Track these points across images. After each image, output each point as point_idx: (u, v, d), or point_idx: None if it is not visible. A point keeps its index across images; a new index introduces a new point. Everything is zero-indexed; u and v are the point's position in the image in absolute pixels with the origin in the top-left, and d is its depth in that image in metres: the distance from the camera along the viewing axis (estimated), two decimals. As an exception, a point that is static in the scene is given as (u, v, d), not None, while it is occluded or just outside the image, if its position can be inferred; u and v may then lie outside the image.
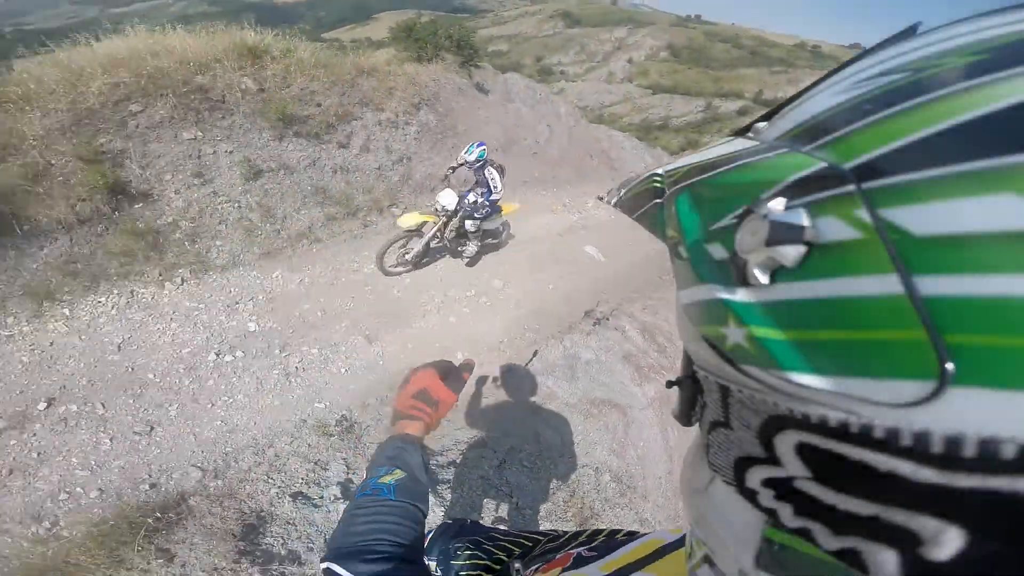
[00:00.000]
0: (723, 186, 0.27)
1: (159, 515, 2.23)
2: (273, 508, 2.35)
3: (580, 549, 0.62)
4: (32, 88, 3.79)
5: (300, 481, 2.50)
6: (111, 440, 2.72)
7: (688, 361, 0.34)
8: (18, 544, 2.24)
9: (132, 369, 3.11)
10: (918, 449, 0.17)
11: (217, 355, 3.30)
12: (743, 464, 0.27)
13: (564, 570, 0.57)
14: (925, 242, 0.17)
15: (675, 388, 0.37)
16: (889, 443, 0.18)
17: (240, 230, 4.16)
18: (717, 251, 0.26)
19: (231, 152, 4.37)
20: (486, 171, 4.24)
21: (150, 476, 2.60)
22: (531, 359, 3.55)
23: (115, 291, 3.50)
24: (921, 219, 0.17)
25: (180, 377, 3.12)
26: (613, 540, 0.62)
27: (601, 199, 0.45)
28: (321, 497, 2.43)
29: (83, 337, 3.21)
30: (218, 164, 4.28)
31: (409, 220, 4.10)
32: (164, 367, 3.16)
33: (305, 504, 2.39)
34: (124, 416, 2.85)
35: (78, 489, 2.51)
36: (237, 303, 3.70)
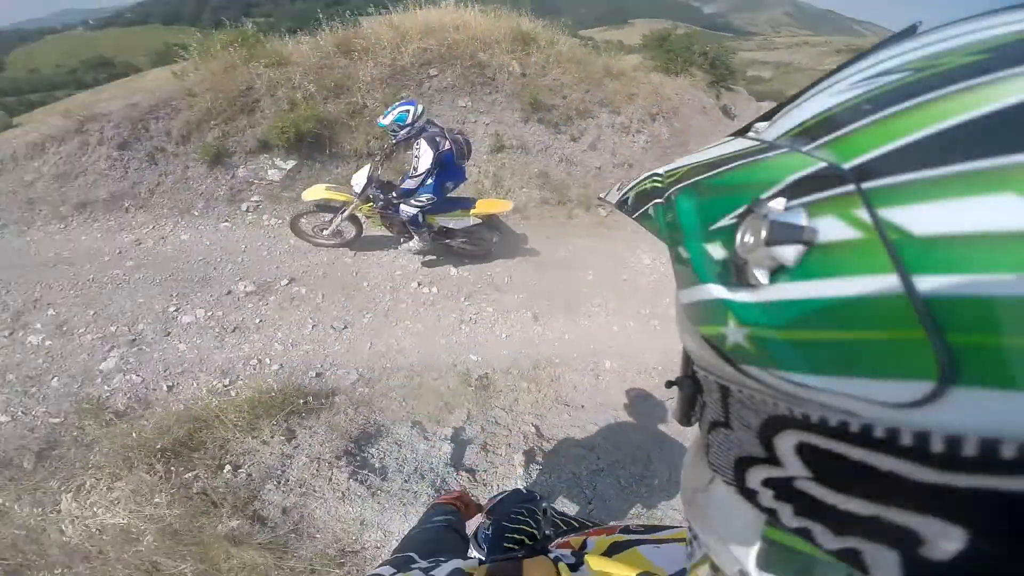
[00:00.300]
0: (723, 186, 0.27)
1: (307, 401, 2.74)
2: (392, 427, 2.74)
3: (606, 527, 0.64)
4: (372, 42, 4.95)
5: (425, 414, 2.86)
6: (312, 327, 3.42)
7: (688, 361, 0.34)
8: (197, 391, 2.83)
9: (356, 274, 3.91)
10: (918, 449, 0.17)
11: (418, 285, 3.90)
12: (743, 464, 0.26)
13: (614, 537, 0.57)
14: (925, 242, 0.17)
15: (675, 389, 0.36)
16: (889, 443, 0.18)
17: (472, 191, 4.82)
18: (717, 251, 0.26)
19: (488, 124, 5.08)
20: (415, 144, 3.35)
21: (321, 366, 3.11)
22: (670, 395, 3.39)
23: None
24: (921, 219, 0.17)
25: (384, 293, 3.79)
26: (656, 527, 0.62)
27: (601, 199, 0.45)
28: (434, 434, 2.74)
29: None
30: (475, 132, 5.02)
31: (311, 194, 3.73)
32: (377, 281, 3.88)
33: (418, 434, 2.72)
34: (331, 310, 3.57)
35: (267, 359, 3.12)
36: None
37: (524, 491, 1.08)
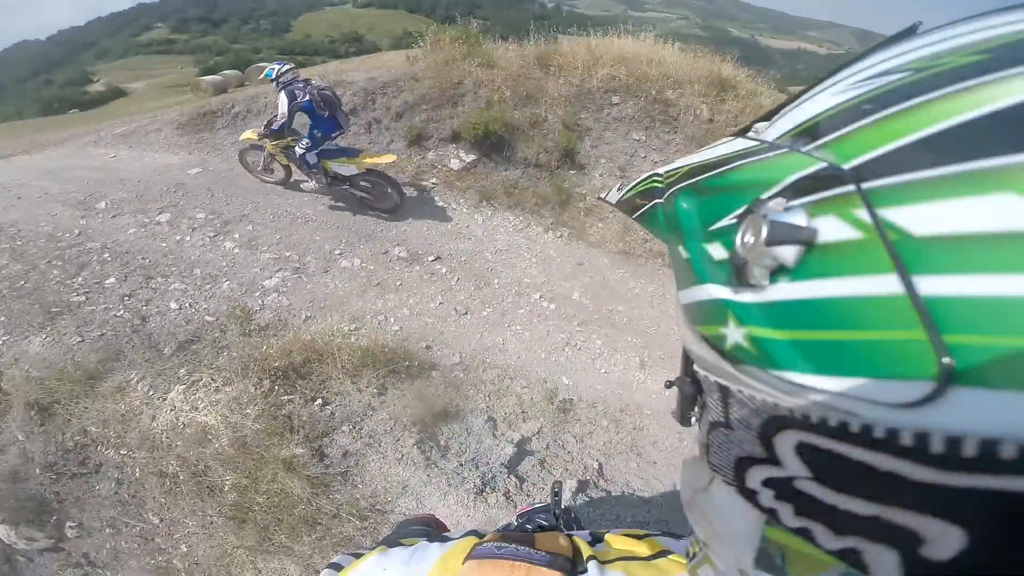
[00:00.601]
0: (723, 186, 0.27)
1: (409, 365, 2.98)
2: (469, 415, 2.86)
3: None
4: (568, 61, 5.21)
5: (502, 414, 2.93)
6: (439, 304, 3.74)
7: (687, 361, 0.33)
8: (327, 327, 3.20)
9: (490, 271, 4.17)
10: (918, 449, 0.17)
11: (540, 297, 4.02)
12: (743, 464, 0.26)
13: (633, 531, 0.52)
14: (925, 242, 0.17)
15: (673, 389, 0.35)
16: (889, 443, 0.18)
17: (618, 223, 4.80)
18: (717, 251, 0.25)
19: (656, 162, 5.00)
20: (277, 94, 4.06)
21: (432, 341, 3.40)
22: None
23: (520, 217, 4.70)
24: (921, 219, 0.17)
25: (509, 294, 3.98)
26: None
27: (601, 199, 0.44)
28: (503, 434, 2.80)
29: (484, 232, 4.48)
30: (641, 167, 4.99)
31: (244, 136, 4.52)
32: (509, 280, 4.09)
33: (489, 429, 2.81)
34: (460, 295, 3.86)
35: (392, 319, 3.49)
36: (584, 267, 4.40)
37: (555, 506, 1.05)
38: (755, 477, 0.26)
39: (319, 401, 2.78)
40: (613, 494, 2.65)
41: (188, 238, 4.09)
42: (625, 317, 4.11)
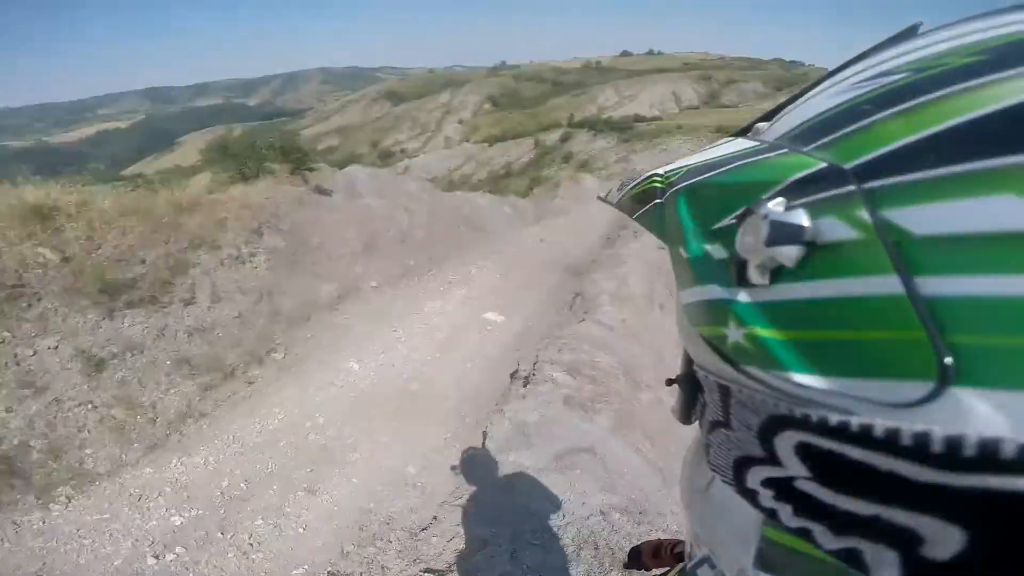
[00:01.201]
0: (723, 186, 0.27)
1: None
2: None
3: None
4: None
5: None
6: None
7: (688, 361, 0.34)
8: None
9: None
10: (918, 449, 0.17)
11: (156, 557, 2.78)
12: (743, 464, 0.27)
13: None
14: (925, 242, 0.17)
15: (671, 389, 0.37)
16: (889, 443, 0.18)
17: (108, 431, 3.44)
18: (717, 251, 0.26)
19: (56, 347, 3.65)
20: None
21: None
22: (483, 443, 3.45)
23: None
24: (921, 219, 0.17)
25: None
26: None
27: (602, 199, 0.46)
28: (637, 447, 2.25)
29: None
30: (46, 366, 3.53)
31: None
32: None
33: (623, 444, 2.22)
34: None
35: None
36: (146, 502, 3.11)
37: None
38: (755, 477, 0.25)
39: None
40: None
41: None
42: (240, 484, 3.27)
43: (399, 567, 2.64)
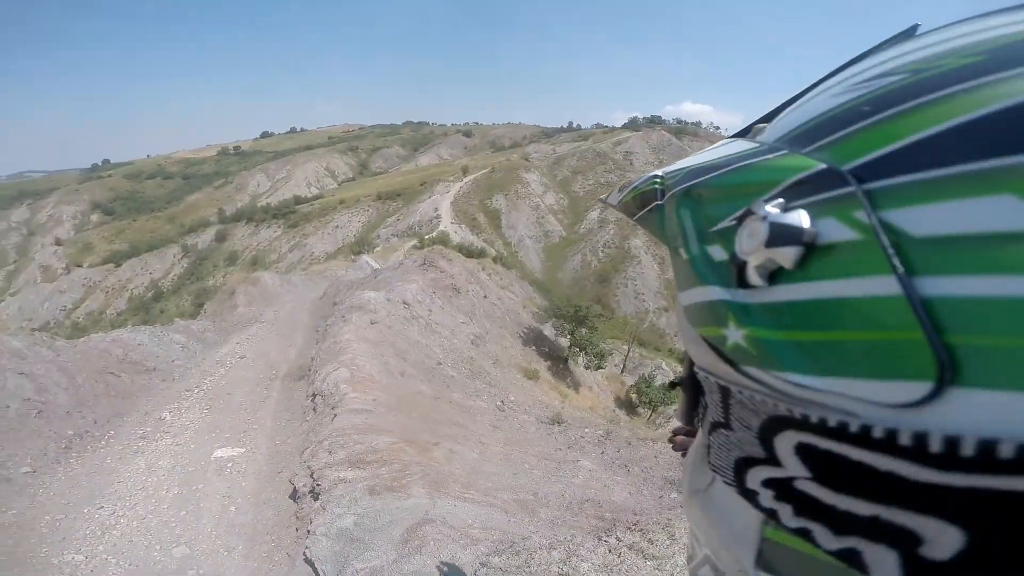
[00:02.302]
0: (723, 188, 0.27)
1: None
2: None
3: None
4: None
5: None
6: None
7: (689, 363, 0.34)
8: None
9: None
10: (917, 449, 0.17)
11: None
12: (743, 465, 0.26)
13: None
14: (924, 243, 0.17)
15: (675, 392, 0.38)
16: (888, 444, 0.18)
17: None
18: (717, 253, 0.26)
19: None
20: None
21: None
22: (315, 571, 2.87)
23: None
24: (920, 220, 0.17)
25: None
26: None
27: (602, 200, 0.46)
28: None
29: None
30: None
31: None
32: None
33: None
34: None
35: None
36: None
37: None
38: (755, 478, 0.25)
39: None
40: None
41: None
42: None
43: None
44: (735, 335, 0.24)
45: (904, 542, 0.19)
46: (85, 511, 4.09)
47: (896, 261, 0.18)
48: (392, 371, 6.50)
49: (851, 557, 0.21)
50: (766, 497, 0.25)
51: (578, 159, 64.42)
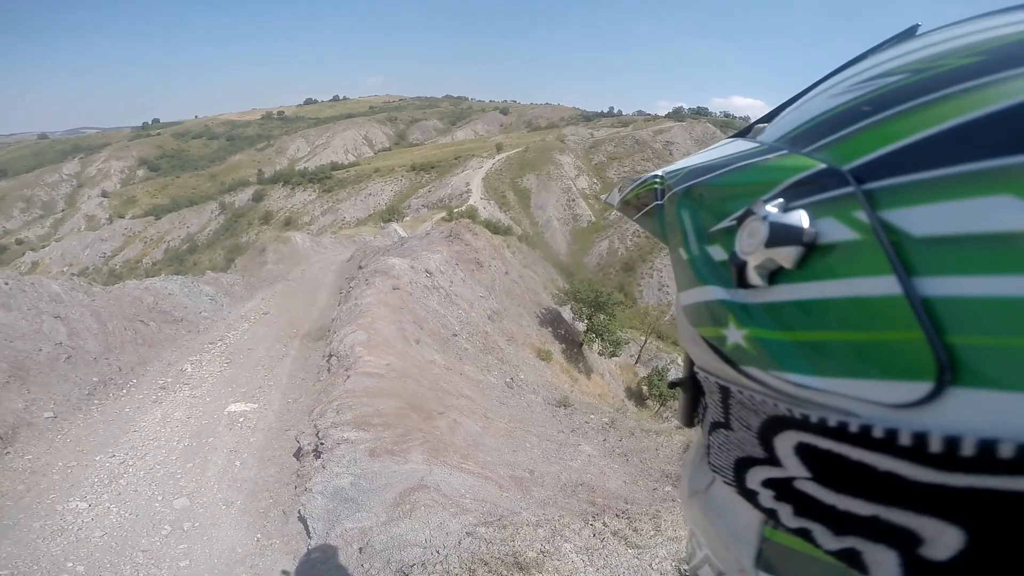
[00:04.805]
0: (723, 188, 0.27)
1: None
2: None
3: None
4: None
5: None
6: None
7: (689, 364, 0.34)
8: None
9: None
10: (916, 449, 0.17)
11: None
12: (743, 465, 0.26)
13: None
14: (924, 243, 0.17)
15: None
16: (888, 444, 0.18)
17: None
18: (717, 253, 0.26)
19: None
20: None
21: None
22: (307, 529, 3.03)
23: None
24: (920, 220, 0.17)
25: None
26: None
27: (603, 200, 0.48)
28: None
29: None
30: None
31: None
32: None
33: None
34: None
35: None
36: None
37: None
38: (755, 478, 0.25)
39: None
40: None
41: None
42: None
43: None
44: (735, 335, 0.24)
45: (904, 542, 0.19)
46: (97, 459, 4.23)
47: (896, 261, 0.18)
48: (408, 338, 6.60)
49: (851, 557, 0.21)
50: (766, 497, 0.25)
51: (616, 145, 63.08)
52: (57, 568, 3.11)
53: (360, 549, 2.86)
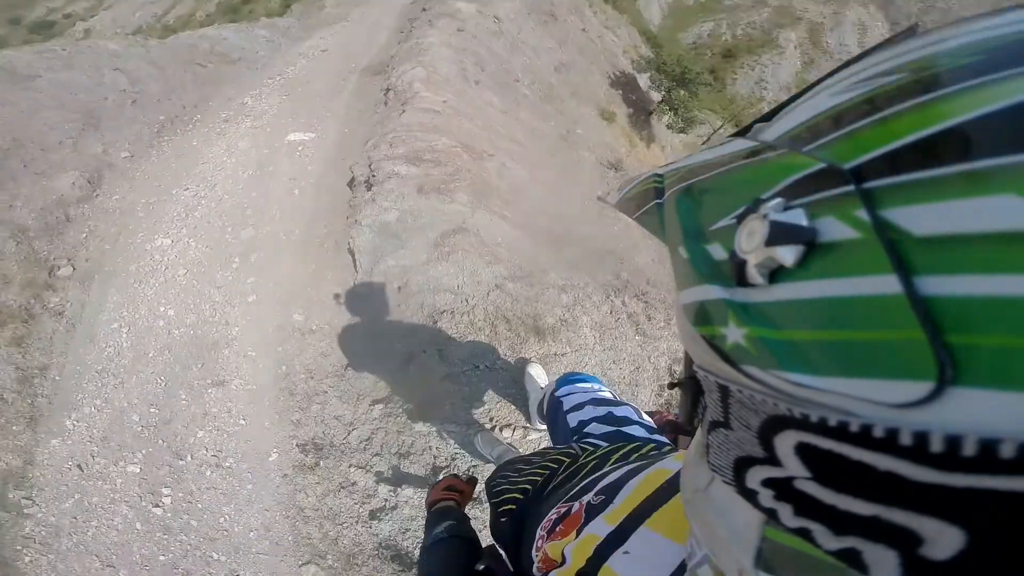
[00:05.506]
0: (723, 186, 0.27)
1: None
2: None
3: (589, 496, 0.61)
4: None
5: None
6: None
7: (689, 363, 0.34)
8: None
9: None
10: (917, 449, 0.17)
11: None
12: (743, 464, 0.26)
13: (578, 532, 0.57)
14: (924, 242, 0.17)
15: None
16: (888, 443, 0.18)
17: None
18: (717, 251, 0.26)
19: None
20: None
21: None
22: (354, 261, 3.24)
23: None
24: (921, 219, 0.17)
25: None
26: (621, 474, 0.61)
27: (601, 199, 0.44)
28: None
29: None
30: None
31: None
32: None
33: None
34: None
35: None
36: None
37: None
38: (755, 477, 0.25)
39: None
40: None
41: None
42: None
43: (349, 408, 2.64)
44: (735, 334, 0.24)
45: (904, 542, 0.19)
46: (173, 192, 4.34)
47: (896, 260, 0.18)
48: (468, 78, 6.20)
49: (851, 557, 0.21)
50: (766, 497, 0.25)
51: None
52: (154, 314, 3.27)
53: (399, 288, 3.05)
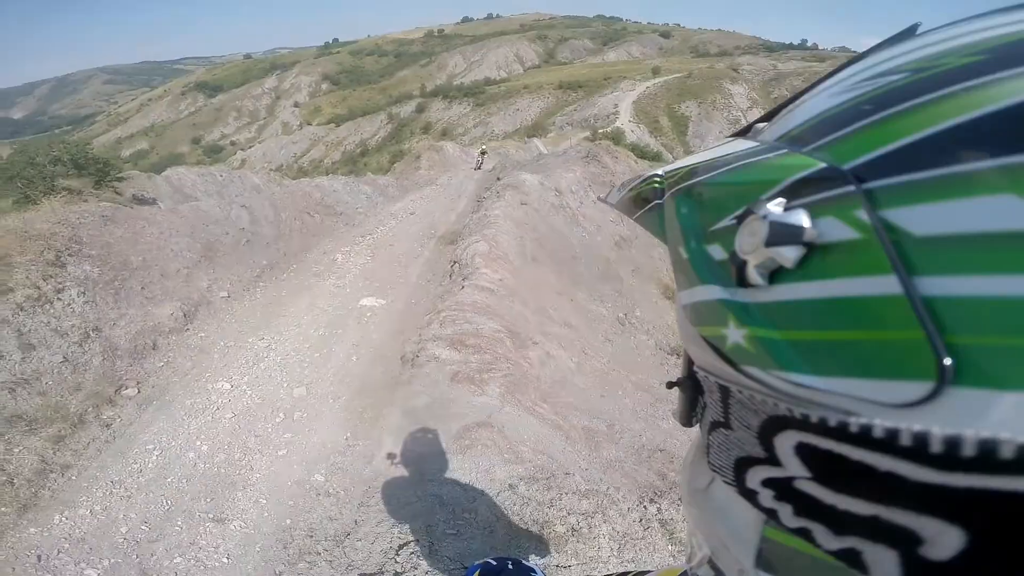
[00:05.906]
0: (723, 187, 0.27)
1: None
2: None
3: None
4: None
5: None
6: None
7: (688, 362, 0.34)
8: None
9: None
10: (917, 449, 0.17)
11: None
12: (743, 464, 0.26)
13: None
14: (924, 242, 0.17)
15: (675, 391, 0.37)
16: (888, 443, 0.18)
17: None
18: (717, 252, 0.26)
19: None
20: None
21: None
22: (381, 438, 3.38)
23: None
24: (921, 219, 0.17)
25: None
26: None
27: (601, 199, 0.46)
28: None
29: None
30: None
31: None
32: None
33: None
34: None
35: None
36: (49, 562, 2.70)
37: (493, 563, 0.83)
38: (755, 477, 0.26)
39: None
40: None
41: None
42: (141, 526, 2.85)
43: (335, 576, 2.57)
44: (735, 334, 0.24)
45: (904, 542, 0.19)
46: (249, 340, 4.49)
47: (897, 260, 0.18)
48: (526, 254, 6.67)
49: (851, 557, 0.21)
50: (766, 497, 0.25)
51: (804, 80, 52.92)
52: (188, 445, 3.45)
53: (411, 475, 3.10)
